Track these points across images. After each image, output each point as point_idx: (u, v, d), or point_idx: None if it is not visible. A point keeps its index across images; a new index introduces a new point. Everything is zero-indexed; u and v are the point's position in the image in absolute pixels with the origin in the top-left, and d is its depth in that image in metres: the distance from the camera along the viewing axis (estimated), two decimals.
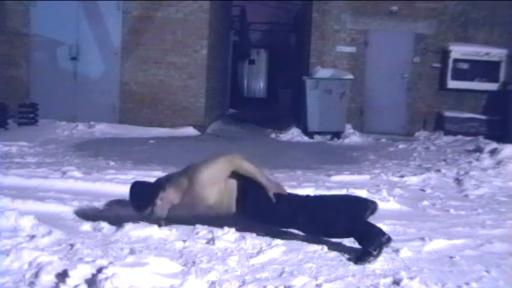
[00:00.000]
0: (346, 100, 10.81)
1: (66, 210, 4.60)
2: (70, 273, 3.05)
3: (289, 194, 4.23)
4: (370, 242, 3.68)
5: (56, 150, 8.00)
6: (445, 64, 11.84)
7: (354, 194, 5.28)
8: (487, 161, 7.70)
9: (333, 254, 3.86)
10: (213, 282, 3.17)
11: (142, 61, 10.91)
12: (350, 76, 10.97)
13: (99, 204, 4.81)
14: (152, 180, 4.41)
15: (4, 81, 10.72)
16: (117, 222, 4.21)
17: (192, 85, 10.95)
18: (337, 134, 10.99)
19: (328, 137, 10.97)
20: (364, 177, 6.75)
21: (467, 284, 3.34)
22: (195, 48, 10.90)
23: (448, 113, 11.54)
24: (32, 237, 3.78)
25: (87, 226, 4.20)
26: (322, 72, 11.00)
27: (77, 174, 6.04)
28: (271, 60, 19.23)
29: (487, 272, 3.56)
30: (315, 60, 11.87)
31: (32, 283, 3.02)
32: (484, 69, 11.71)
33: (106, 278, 2.92)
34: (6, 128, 9.61)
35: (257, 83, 19.69)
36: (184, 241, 3.95)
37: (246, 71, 18.99)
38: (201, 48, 10.95)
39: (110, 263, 3.21)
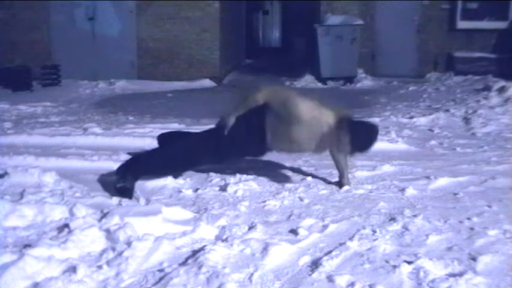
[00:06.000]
0: (357, 45, 10.73)
1: (87, 165, 4.76)
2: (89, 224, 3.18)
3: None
4: None
5: (78, 109, 8.18)
6: (454, 5, 11.62)
7: None
8: (495, 99, 7.65)
9: (341, 196, 3.98)
10: (223, 227, 3.30)
11: (157, 18, 10.92)
12: (360, 21, 10.85)
13: (117, 157, 4.91)
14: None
15: (26, 45, 10.87)
16: None
17: (206, 38, 10.96)
18: (350, 79, 10.95)
19: (341, 82, 10.94)
20: (374, 120, 6.74)
21: (468, 219, 3.44)
22: (207, 2, 10.85)
23: (458, 54, 11.40)
24: (54, 192, 3.94)
25: (106, 179, 4.30)
26: (333, 19, 10.88)
27: (97, 130, 6.17)
28: (284, 10, 19.02)
29: (489, 206, 3.66)
30: (326, 7, 11.74)
31: (54, 236, 3.13)
32: (493, 8, 11.45)
33: (119, 228, 3.07)
34: (31, 90, 9.78)
35: (272, 33, 19.54)
36: (197, 189, 4.09)
37: (260, 21, 18.84)
38: (213, 1, 10.91)
39: (125, 213, 3.34)
